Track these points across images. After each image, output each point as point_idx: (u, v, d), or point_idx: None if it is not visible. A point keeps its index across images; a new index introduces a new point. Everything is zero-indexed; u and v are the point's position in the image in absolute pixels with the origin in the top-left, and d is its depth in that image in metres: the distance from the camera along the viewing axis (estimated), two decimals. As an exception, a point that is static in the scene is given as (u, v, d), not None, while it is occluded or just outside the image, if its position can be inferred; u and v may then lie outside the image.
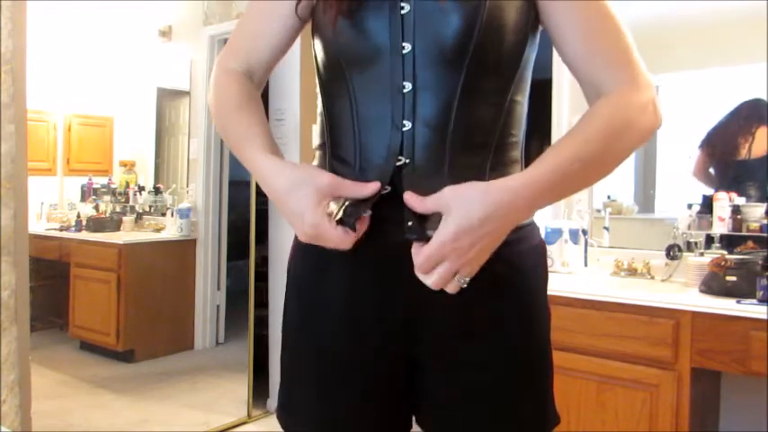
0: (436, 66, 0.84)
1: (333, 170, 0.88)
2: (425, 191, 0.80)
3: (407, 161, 0.84)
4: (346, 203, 0.82)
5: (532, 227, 0.93)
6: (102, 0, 3.97)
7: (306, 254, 0.93)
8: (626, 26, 0.87)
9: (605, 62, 0.85)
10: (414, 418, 0.97)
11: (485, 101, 0.85)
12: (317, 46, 0.92)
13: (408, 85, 0.84)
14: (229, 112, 0.93)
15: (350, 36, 0.86)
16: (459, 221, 0.76)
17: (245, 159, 0.90)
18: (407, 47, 0.84)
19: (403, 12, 0.84)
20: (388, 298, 0.87)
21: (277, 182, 0.84)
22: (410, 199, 0.80)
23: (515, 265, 0.88)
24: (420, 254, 0.78)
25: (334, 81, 0.90)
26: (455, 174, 0.82)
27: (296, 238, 0.96)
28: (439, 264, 0.77)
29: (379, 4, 0.85)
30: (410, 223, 0.80)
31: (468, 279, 0.79)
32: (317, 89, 0.95)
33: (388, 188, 0.84)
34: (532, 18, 0.87)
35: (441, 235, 0.76)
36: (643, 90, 0.85)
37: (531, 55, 0.90)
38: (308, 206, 0.80)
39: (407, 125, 0.84)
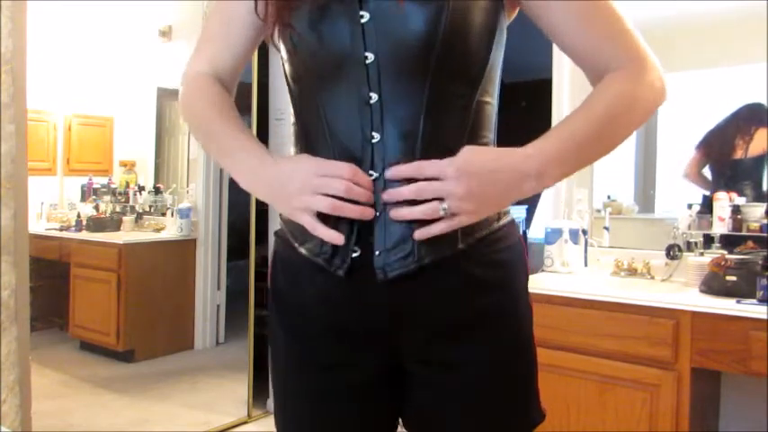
0: (401, 73, 0.82)
1: None
2: (396, 203, 0.82)
3: (378, 175, 0.83)
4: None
5: (510, 225, 0.92)
6: (103, 0, 3.97)
7: (284, 264, 0.93)
8: (622, 10, 0.87)
9: (609, 50, 0.86)
10: (400, 421, 0.97)
11: (452, 105, 0.84)
12: (283, 56, 0.91)
13: (374, 96, 0.83)
14: (212, 114, 0.92)
15: (311, 48, 0.84)
16: (459, 159, 0.79)
17: (231, 151, 0.89)
18: (370, 56, 0.82)
19: (363, 20, 0.82)
20: (370, 303, 0.86)
21: (266, 154, 0.86)
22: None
23: (494, 263, 0.88)
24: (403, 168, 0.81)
25: (303, 92, 0.89)
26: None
27: (274, 247, 0.96)
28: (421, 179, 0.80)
29: (337, 13, 0.83)
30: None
31: (448, 209, 0.79)
32: (289, 99, 0.95)
33: (377, 213, 0.83)
34: (500, 18, 0.86)
35: (439, 161, 0.80)
36: (648, 68, 0.86)
37: (498, 55, 0.89)
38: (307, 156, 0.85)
39: (376, 137, 0.83)
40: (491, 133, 0.90)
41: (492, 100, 0.89)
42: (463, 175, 0.78)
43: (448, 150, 0.83)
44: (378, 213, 0.83)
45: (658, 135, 2.51)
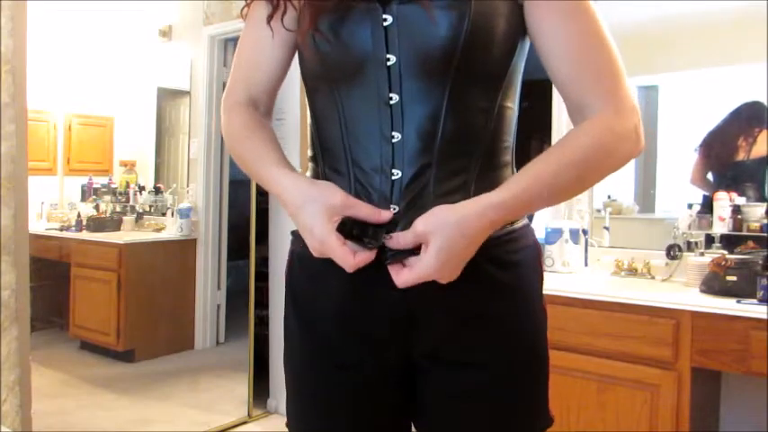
0: (422, 76, 0.83)
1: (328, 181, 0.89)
2: (416, 202, 0.83)
3: (399, 173, 0.84)
4: (370, 228, 0.84)
5: (526, 227, 0.93)
6: (103, 0, 3.97)
7: (302, 262, 0.94)
8: (616, 48, 0.86)
9: (593, 86, 0.85)
10: (413, 423, 0.98)
11: (472, 109, 0.85)
12: (302, 56, 0.92)
13: (395, 97, 0.84)
14: (240, 139, 0.94)
15: (332, 49, 0.85)
16: (440, 249, 0.78)
17: (260, 178, 0.90)
18: (392, 58, 0.83)
19: (386, 23, 0.83)
20: (385, 303, 0.87)
21: (290, 196, 0.85)
22: (393, 243, 0.82)
23: (510, 265, 0.89)
24: (404, 275, 0.80)
25: (321, 93, 0.90)
26: (443, 181, 0.84)
27: (291, 246, 0.97)
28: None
29: (360, 16, 0.84)
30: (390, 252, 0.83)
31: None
32: (306, 100, 0.95)
33: (397, 207, 0.84)
34: (521, 27, 0.87)
35: (426, 263, 0.79)
36: (627, 116, 0.84)
37: (519, 62, 0.89)
38: (318, 221, 0.81)
39: (397, 136, 0.84)
40: (510, 137, 0.91)
41: (512, 105, 0.90)
42: (444, 267, 0.79)
43: (467, 153, 0.85)
44: (397, 211, 0.84)
45: (658, 135, 2.51)
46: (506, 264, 0.88)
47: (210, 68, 3.87)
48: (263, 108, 0.99)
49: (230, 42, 3.89)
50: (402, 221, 0.84)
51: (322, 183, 0.86)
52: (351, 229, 0.83)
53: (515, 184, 0.81)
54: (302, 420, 0.97)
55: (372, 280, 0.85)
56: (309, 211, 0.82)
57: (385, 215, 0.83)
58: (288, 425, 0.99)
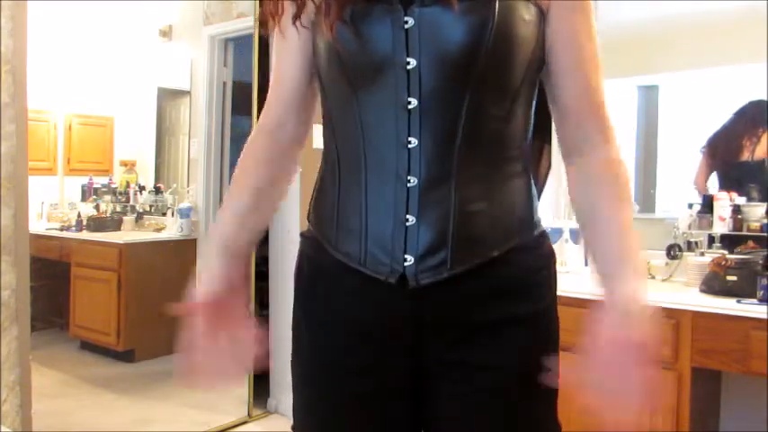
0: (442, 81, 0.82)
1: (343, 187, 0.88)
2: (435, 210, 0.82)
3: (415, 180, 0.83)
4: None
5: (543, 236, 0.93)
6: (103, 0, 3.97)
7: (313, 269, 0.93)
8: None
9: (592, 114, 0.88)
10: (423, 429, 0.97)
11: (491, 115, 0.84)
12: (320, 61, 0.90)
13: (414, 101, 0.82)
14: (235, 172, 0.97)
15: (351, 51, 0.84)
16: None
17: (213, 226, 0.97)
18: (412, 62, 0.82)
19: (407, 26, 0.81)
20: (395, 306, 0.86)
21: (204, 277, 0.98)
22: None
23: (525, 270, 0.89)
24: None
25: (338, 96, 0.89)
26: (464, 189, 0.83)
27: (301, 246, 0.97)
28: None
29: (380, 17, 0.82)
30: None
31: None
32: (320, 101, 0.94)
33: (413, 218, 0.84)
34: (542, 34, 0.86)
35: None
36: (615, 140, 0.90)
37: (538, 69, 0.89)
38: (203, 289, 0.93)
39: (414, 142, 0.83)
40: (526, 143, 0.91)
41: (530, 112, 0.90)
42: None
43: (486, 160, 0.85)
44: (412, 220, 0.83)
45: (659, 135, 2.51)
46: (523, 269, 0.89)
47: (210, 68, 3.87)
48: (290, 131, 0.96)
49: (230, 42, 3.89)
50: (417, 230, 0.83)
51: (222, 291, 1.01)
52: None
53: (626, 263, 0.91)
54: (309, 423, 0.96)
55: (384, 284, 0.84)
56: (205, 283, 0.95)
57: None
58: (293, 427, 0.99)
